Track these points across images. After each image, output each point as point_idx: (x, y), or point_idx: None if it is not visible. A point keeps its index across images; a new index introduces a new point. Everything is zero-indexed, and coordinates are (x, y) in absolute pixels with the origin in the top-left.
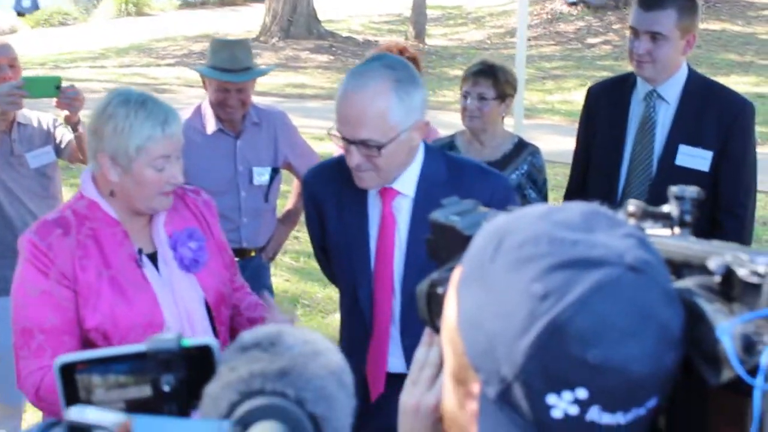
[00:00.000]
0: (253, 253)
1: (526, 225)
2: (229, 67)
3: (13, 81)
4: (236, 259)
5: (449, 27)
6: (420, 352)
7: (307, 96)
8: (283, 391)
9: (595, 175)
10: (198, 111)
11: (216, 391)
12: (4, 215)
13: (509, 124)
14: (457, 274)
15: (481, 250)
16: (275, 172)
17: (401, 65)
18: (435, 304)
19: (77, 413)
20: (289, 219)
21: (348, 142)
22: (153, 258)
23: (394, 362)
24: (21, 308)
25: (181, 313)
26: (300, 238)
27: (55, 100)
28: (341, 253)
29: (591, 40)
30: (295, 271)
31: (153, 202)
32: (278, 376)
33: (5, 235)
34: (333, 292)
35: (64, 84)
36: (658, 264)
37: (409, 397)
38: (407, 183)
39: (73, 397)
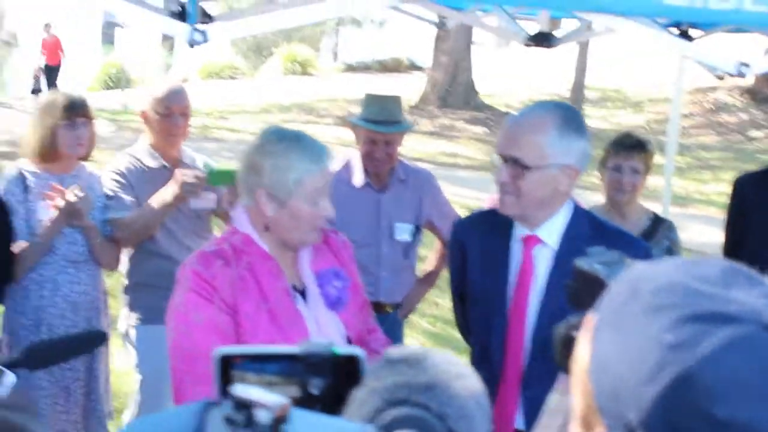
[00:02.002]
0: (389, 309)
1: (663, 274)
2: (378, 119)
3: (198, 173)
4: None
5: (607, 109)
6: (553, 399)
7: (460, 166)
8: (427, 404)
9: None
10: (347, 164)
11: (362, 396)
12: (160, 250)
13: (656, 210)
14: (591, 319)
15: (616, 295)
16: (417, 230)
17: (572, 111)
18: (571, 348)
19: (242, 390)
20: (428, 278)
21: (502, 158)
22: (301, 294)
23: (519, 419)
24: (185, 335)
25: None
26: (440, 304)
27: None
28: (478, 299)
29: (753, 133)
30: (430, 335)
31: (305, 236)
32: (423, 390)
33: (161, 267)
34: (467, 360)
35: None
36: None
37: None
38: (551, 233)
39: (226, 388)
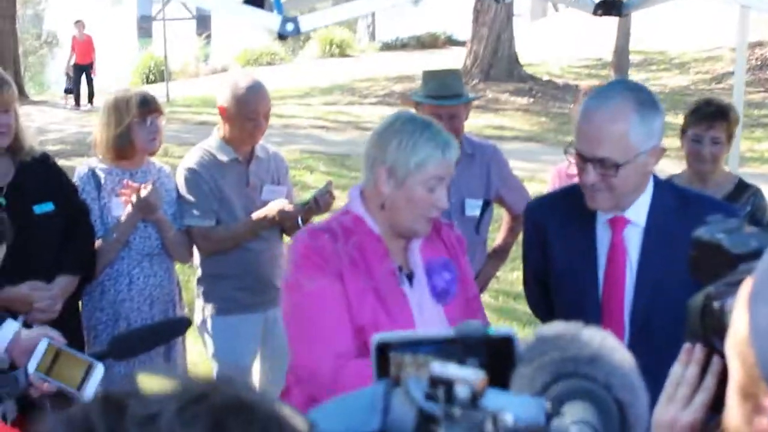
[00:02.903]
0: None
1: None
2: (440, 94)
3: (295, 206)
4: None
5: (652, 72)
6: (676, 370)
7: (507, 138)
8: (594, 376)
9: None
10: None
11: (530, 372)
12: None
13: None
14: (747, 287)
15: None
16: (487, 204)
17: (643, 89)
18: (710, 318)
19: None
20: (498, 255)
21: (585, 159)
22: (408, 279)
23: None
24: (296, 304)
25: None
26: (500, 277)
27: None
28: (566, 281)
29: None
30: (493, 309)
31: (416, 224)
32: (588, 362)
33: (234, 257)
34: (530, 333)
35: None
36: None
37: (663, 414)
38: (639, 212)
39: (383, 373)
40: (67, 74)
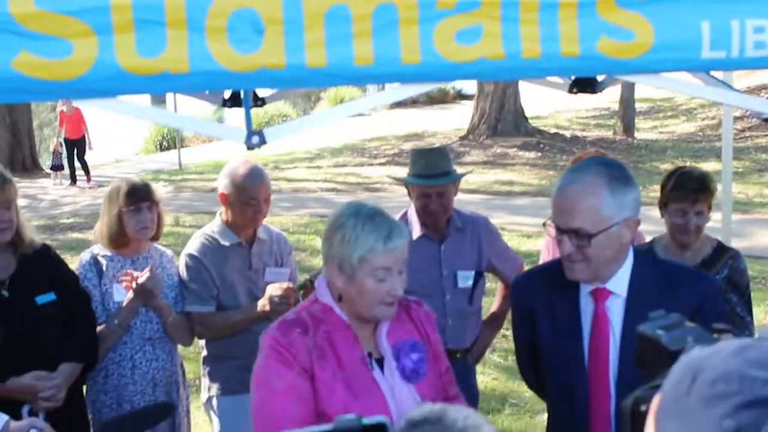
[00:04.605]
0: (458, 355)
1: (718, 362)
2: (428, 173)
3: (285, 284)
4: None
5: (659, 120)
6: None
7: (515, 193)
8: None
9: None
10: (404, 218)
11: None
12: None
13: (716, 219)
14: (656, 402)
15: (677, 383)
16: (479, 275)
17: (616, 165)
18: (638, 421)
19: None
20: (494, 321)
21: (561, 231)
22: (379, 364)
23: None
24: (265, 399)
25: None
26: (508, 337)
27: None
28: (553, 354)
29: None
30: (503, 369)
31: (374, 311)
32: None
33: (238, 338)
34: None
35: None
36: None
37: None
38: (619, 283)
39: None
40: (55, 151)
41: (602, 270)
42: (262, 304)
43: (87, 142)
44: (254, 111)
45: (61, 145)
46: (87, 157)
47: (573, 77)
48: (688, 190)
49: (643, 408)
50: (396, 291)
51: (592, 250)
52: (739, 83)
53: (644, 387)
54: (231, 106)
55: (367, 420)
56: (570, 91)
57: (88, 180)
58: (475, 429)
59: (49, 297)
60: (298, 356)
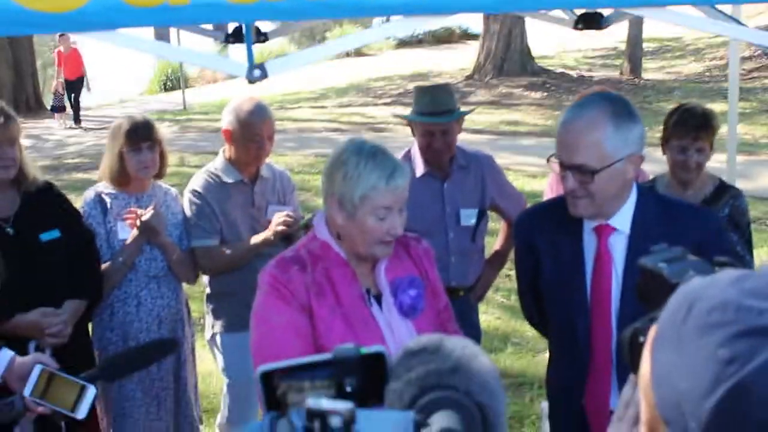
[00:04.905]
0: (461, 293)
1: (716, 292)
2: (431, 111)
3: (289, 212)
4: None
5: (666, 60)
6: (626, 391)
7: (521, 133)
8: (456, 385)
9: None
10: (407, 155)
11: (400, 387)
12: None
13: (721, 160)
14: (653, 333)
15: (674, 312)
16: (482, 213)
17: (620, 100)
18: (637, 352)
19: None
20: (497, 260)
21: (564, 167)
22: (377, 300)
23: (614, 400)
24: (264, 335)
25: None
26: (512, 276)
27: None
28: (556, 290)
29: None
30: (506, 308)
31: (373, 249)
32: (450, 372)
33: (241, 276)
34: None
35: None
36: None
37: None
38: (623, 220)
39: (271, 399)
40: (56, 92)
41: (606, 206)
42: (267, 234)
43: (85, 83)
44: (258, 51)
45: (62, 86)
46: (89, 99)
47: (579, 13)
48: (689, 126)
49: (641, 339)
50: (396, 230)
51: (595, 186)
52: (749, 24)
53: (643, 319)
54: (233, 42)
55: (366, 349)
56: (575, 27)
57: (77, 123)
58: (472, 358)
59: (54, 234)
60: (297, 293)
